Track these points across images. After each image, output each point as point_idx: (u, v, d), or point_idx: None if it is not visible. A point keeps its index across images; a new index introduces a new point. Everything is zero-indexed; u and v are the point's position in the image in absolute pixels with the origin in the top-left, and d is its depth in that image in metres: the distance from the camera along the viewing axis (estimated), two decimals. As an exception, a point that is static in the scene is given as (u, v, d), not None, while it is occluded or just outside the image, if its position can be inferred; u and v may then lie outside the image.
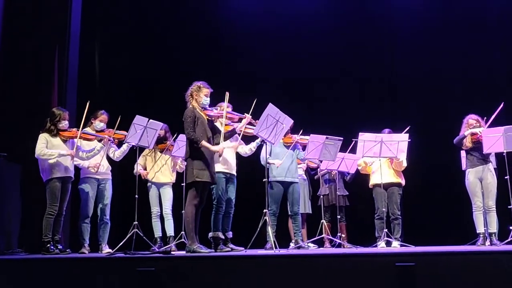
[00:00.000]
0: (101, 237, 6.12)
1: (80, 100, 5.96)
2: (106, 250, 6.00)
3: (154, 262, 4.38)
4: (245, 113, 5.56)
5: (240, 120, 5.55)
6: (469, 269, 3.97)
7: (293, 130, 6.42)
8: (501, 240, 5.86)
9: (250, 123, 5.60)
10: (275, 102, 5.58)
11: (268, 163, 6.06)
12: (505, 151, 5.88)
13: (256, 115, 5.60)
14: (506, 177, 5.91)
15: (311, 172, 7.49)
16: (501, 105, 5.96)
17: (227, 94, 5.39)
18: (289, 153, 6.29)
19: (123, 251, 5.19)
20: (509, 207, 5.83)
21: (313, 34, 8.61)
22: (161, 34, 8.45)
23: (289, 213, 6.45)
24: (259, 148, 6.14)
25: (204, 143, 5.07)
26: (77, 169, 6.03)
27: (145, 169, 6.55)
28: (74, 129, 5.89)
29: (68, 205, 6.11)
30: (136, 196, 6.09)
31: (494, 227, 6.00)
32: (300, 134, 6.42)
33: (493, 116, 6.01)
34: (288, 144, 6.38)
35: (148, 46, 8.41)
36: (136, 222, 5.94)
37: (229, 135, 5.47)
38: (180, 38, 8.52)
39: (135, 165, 6.33)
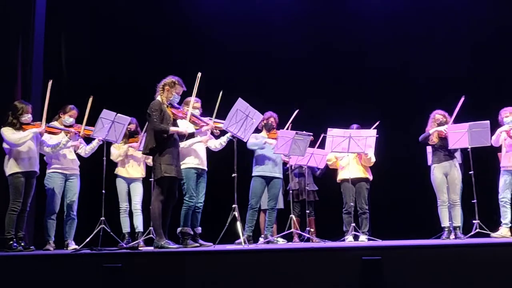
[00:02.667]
0: (67, 233, 6.00)
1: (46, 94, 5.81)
2: (72, 246, 5.88)
3: (121, 258, 4.32)
4: (210, 120, 5.56)
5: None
6: (434, 263, 4.05)
7: (279, 125, 6.49)
8: (465, 234, 6.00)
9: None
10: (246, 98, 5.58)
11: (264, 142, 6.16)
12: (469, 147, 6.02)
13: (226, 110, 5.58)
14: (470, 172, 6.06)
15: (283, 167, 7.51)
16: (462, 99, 6.08)
17: (199, 75, 5.32)
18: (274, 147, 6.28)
19: (89, 247, 5.10)
20: (473, 201, 5.98)
21: (282, 30, 8.61)
22: (130, 27, 8.30)
23: (266, 207, 6.45)
24: (243, 143, 6.11)
25: (172, 128, 5.01)
26: (42, 164, 5.90)
27: (117, 164, 6.47)
28: (38, 123, 5.74)
29: (33, 201, 5.97)
30: (103, 191, 6.01)
31: (458, 221, 6.14)
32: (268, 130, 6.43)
33: (455, 111, 6.13)
34: (273, 139, 6.37)
35: (117, 39, 8.26)
36: (103, 218, 5.87)
37: (189, 137, 5.42)
38: (149, 31, 8.39)
39: (112, 151, 6.31)
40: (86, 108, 5.93)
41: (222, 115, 5.72)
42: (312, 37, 8.67)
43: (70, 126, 5.98)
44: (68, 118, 5.99)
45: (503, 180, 6.11)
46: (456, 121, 6.16)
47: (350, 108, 7.92)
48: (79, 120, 6.03)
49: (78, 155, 6.16)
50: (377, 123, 6.62)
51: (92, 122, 5.98)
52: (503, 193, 6.07)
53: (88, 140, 6.20)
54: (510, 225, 5.99)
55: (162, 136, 4.98)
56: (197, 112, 5.69)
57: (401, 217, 7.68)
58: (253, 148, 6.26)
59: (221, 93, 5.75)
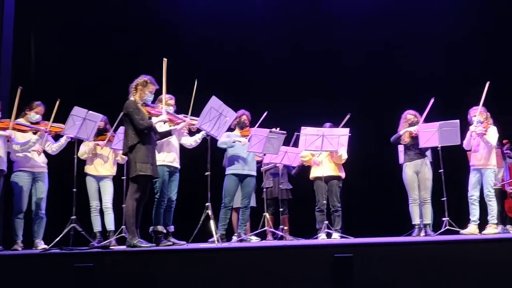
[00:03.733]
0: (35, 232, 5.89)
1: (15, 91, 5.69)
2: (41, 246, 5.77)
3: (93, 258, 4.25)
4: (185, 116, 5.53)
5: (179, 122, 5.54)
6: (405, 259, 4.11)
7: (251, 123, 6.48)
8: (435, 231, 6.11)
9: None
10: (219, 96, 5.56)
11: (233, 141, 6.13)
12: (439, 146, 6.13)
13: (200, 108, 5.55)
14: (440, 171, 6.17)
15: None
16: (432, 101, 6.19)
17: (165, 60, 5.28)
18: (247, 146, 6.27)
19: (59, 247, 5.00)
20: (443, 199, 6.09)
21: (257, 28, 8.61)
22: (100, 25, 8.17)
23: (239, 205, 6.45)
24: (217, 142, 6.10)
25: (154, 119, 5.08)
26: (9, 162, 5.77)
27: (85, 161, 6.37)
28: (7, 120, 5.61)
29: (1, 200, 5.83)
30: (74, 189, 5.92)
31: (429, 219, 6.25)
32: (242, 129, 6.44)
33: (425, 112, 6.24)
34: (246, 137, 6.36)
35: (86, 37, 8.12)
36: (74, 217, 5.77)
37: (166, 135, 5.41)
38: (119, 29, 8.28)
39: (81, 148, 6.20)
40: (54, 106, 5.84)
41: (196, 110, 5.67)
42: (286, 35, 8.70)
43: (37, 123, 5.86)
44: (34, 115, 5.88)
45: (472, 178, 6.24)
46: (427, 121, 6.27)
47: (323, 107, 7.98)
48: (45, 117, 5.92)
49: (46, 153, 6.03)
50: (347, 116, 6.67)
51: (59, 120, 5.88)
52: (472, 191, 6.20)
53: (55, 137, 6.08)
54: (478, 222, 6.11)
55: (137, 134, 4.95)
56: (171, 109, 5.65)
57: (373, 214, 7.78)
58: (222, 147, 6.25)
59: (196, 82, 5.68)
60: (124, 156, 6.10)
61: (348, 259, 3.99)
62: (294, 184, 7.56)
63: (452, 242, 4.49)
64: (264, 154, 6.63)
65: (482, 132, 6.12)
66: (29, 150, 5.77)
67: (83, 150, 6.29)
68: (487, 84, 6.09)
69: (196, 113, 5.64)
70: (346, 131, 6.47)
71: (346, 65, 8.57)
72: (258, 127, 6.39)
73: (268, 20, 8.65)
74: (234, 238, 6.38)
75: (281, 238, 6.74)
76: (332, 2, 8.83)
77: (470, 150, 6.34)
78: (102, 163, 6.39)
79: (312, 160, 6.82)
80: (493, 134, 6.17)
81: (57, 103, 5.84)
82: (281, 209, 7.14)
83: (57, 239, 5.63)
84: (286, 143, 6.73)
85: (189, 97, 5.79)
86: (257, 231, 6.57)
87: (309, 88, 8.48)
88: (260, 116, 6.59)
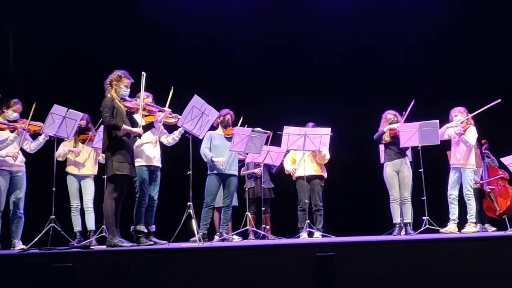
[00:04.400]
0: (13, 232, 5.79)
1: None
2: (19, 246, 5.67)
3: (72, 258, 4.21)
4: (165, 107, 5.48)
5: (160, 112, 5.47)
6: (386, 258, 4.14)
7: (235, 122, 6.46)
8: (415, 230, 6.18)
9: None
10: (201, 95, 5.53)
11: (212, 161, 6.12)
12: (420, 145, 6.19)
13: (182, 107, 5.52)
14: (420, 170, 6.23)
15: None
16: (412, 102, 6.27)
17: (144, 74, 5.25)
18: (229, 145, 6.25)
19: (38, 247, 4.93)
20: (422, 198, 6.16)
21: (231, 28, 8.60)
22: (79, 22, 8.08)
23: (222, 205, 6.42)
24: (199, 141, 6.06)
25: (125, 126, 4.96)
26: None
27: (66, 159, 6.29)
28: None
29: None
30: (54, 188, 5.84)
31: (409, 218, 6.32)
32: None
33: (406, 113, 6.33)
34: (229, 136, 6.34)
35: (67, 34, 8.02)
36: (53, 216, 5.70)
37: (148, 127, 5.36)
38: (99, 26, 8.19)
39: (59, 149, 6.12)
40: (32, 104, 5.76)
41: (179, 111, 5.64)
42: (268, 34, 8.69)
43: (15, 121, 5.77)
44: (12, 113, 5.79)
45: (451, 177, 6.32)
46: (407, 121, 6.33)
47: (306, 107, 7.99)
48: (23, 115, 5.83)
49: (24, 151, 5.94)
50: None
51: (39, 118, 5.79)
52: (451, 190, 6.28)
53: (34, 135, 5.99)
54: (457, 221, 6.20)
55: (114, 132, 4.93)
56: (150, 100, 5.59)
57: (355, 213, 7.83)
58: (202, 157, 6.26)
59: (172, 90, 5.64)
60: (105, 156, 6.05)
61: (330, 257, 4.01)
62: (276, 183, 7.57)
63: (432, 241, 4.54)
64: (247, 153, 6.62)
65: (460, 132, 6.21)
66: (5, 154, 5.66)
67: (58, 153, 6.20)
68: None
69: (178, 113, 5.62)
70: (328, 130, 6.50)
71: (326, 65, 8.60)
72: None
73: (248, 17, 8.63)
74: (216, 237, 6.36)
75: (263, 237, 6.74)
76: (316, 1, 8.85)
77: (448, 147, 6.42)
78: (83, 163, 6.32)
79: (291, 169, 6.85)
80: (472, 134, 6.26)
81: (34, 106, 5.74)
82: (263, 208, 7.14)
83: (36, 239, 5.54)
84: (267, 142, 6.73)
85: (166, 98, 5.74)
86: (239, 231, 6.56)
87: (290, 87, 8.49)
88: (243, 116, 6.59)
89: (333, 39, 8.67)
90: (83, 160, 6.34)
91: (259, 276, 4.07)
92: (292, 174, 6.86)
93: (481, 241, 4.49)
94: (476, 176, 6.62)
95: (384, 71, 8.42)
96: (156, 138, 5.71)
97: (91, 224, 6.30)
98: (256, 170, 7.35)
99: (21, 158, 5.88)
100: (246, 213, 6.57)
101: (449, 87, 8.08)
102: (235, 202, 7.19)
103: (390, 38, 8.55)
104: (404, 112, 6.36)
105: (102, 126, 5.84)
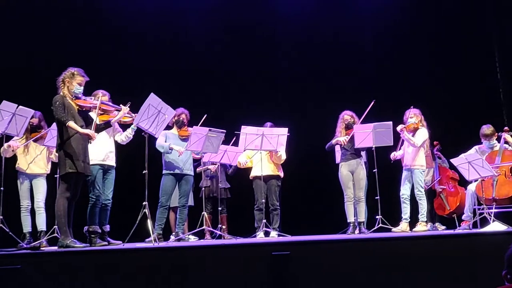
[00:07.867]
0: (-42, 233, 5.55)
1: None
2: (-36, 248, 5.44)
3: (20, 259, 4.05)
4: (121, 105, 5.39)
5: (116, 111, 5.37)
6: (340, 256, 4.22)
7: (190, 122, 6.40)
8: (369, 229, 6.31)
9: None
10: (158, 94, 5.46)
11: (170, 148, 6.05)
12: (374, 146, 6.33)
13: (138, 106, 5.43)
14: (374, 170, 6.38)
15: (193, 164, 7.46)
16: (372, 103, 6.40)
17: (100, 95, 5.22)
18: (183, 145, 6.19)
19: (-16, 249, 4.75)
20: (376, 198, 6.30)
21: (198, 26, 8.55)
22: (41, 17, 7.84)
23: (177, 205, 6.36)
24: (154, 139, 5.97)
25: (71, 123, 4.82)
26: None
27: (16, 158, 6.08)
28: None
29: None
30: (2, 188, 5.63)
31: (363, 217, 6.45)
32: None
33: (364, 114, 6.45)
34: (184, 137, 6.28)
35: (26, 29, 7.76)
36: (1, 217, 5.49)
37: (104, 126, 5.25)
38: (60, 23, 7.97)
39: (4, 147, 5.89)
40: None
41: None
42: (226, 32, 8.69)
43: None
44: None
45: (403, 177, 6.48)
46: (365, 121, 6.45)
47: (262, 106, 8.03)
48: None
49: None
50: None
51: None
52: (403, 189, 6.44)
53: None
54: (409, 220, 6.36)
55: (67, 130, 4.81)
56: (106, 99, 5.47)
57: (310, 213, 7.93)
58: (159, 149, 6.17)
59: (129, 103, 5.50)
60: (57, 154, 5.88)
61: (285, 257, 4.04)
62: (233, 183, 7.56)
63: (385, 239, 4.65)
64: (204, 153, 6.59)
65: (401, 129, 6.33)
66: None
67: (2, 149, 5.97)
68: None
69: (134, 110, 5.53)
70: (284, 130, 6.55)
71: (283, 65, 8.67)
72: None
73: (208, 13, 8.61)
74: (172, 237, 6.30)
75: (220, 237, 6.73)
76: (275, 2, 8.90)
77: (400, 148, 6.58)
78: (35, 161, 6.12)
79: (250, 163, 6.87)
80: (420, 135, 6.37)
81: None
82: (219, 208, 7.11)
83: (-18, 240, 5.34)
84: (226, 142, 6.72)
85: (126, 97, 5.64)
86: (195, 230, 6.52)
87: (252, 87, 8.52)
88: (199, 116, 6.56)
89: (290, 40, 8.74)
90: (35, 158, 6.14)
91: (215, 276, 4.06)
92: (243, 166, 6.87)
93: (431, 240, 4.65)
94: (426, 180, 6.79)
95: (342, 70, 8.55)
96: (111, 136, 5.60)
97: (41, 225, 6.09)
98: (211, 167, 7.31)
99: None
100: (203, 213, 6.53)
101: (409, 87, 8.28)
102: (191, 202, 7.13)
103: (347, 37, 8.70)
104: (363, 113, 6.47)
105: (54, 124, 5.68)
